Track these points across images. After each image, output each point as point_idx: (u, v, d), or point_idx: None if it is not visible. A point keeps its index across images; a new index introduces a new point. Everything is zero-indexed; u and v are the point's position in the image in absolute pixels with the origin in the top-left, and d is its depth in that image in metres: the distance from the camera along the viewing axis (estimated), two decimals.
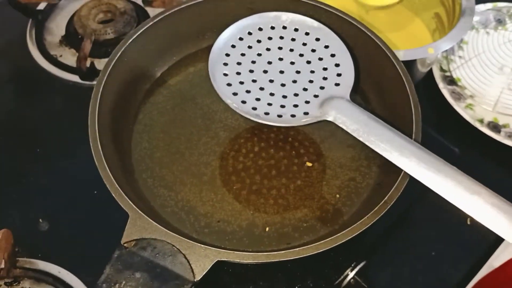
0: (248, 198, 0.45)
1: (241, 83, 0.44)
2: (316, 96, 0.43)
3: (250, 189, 0.46)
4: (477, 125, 0.57)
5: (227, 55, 0.45)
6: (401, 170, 0.38)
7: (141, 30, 0.48)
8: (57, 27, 0.65)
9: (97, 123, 0.42)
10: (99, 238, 0.45)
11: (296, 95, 0.43)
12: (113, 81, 0.45)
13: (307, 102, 0.43)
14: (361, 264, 0.46)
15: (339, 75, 0.45)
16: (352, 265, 0.46)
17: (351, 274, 0.46)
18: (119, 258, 0.35)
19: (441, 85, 0.60)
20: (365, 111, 0.40)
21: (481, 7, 0.66)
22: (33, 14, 0.65)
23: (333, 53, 0.46)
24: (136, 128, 0.49)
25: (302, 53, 0.46)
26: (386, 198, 0.38)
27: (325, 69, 0.45)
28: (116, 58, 0.46)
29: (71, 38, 0.63)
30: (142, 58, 0.49)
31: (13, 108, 0.59)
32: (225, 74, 0.44)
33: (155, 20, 0.49)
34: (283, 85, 0.44)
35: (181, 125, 0.49)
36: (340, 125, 0.40)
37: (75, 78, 0.59)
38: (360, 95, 0.51)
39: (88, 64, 0.59)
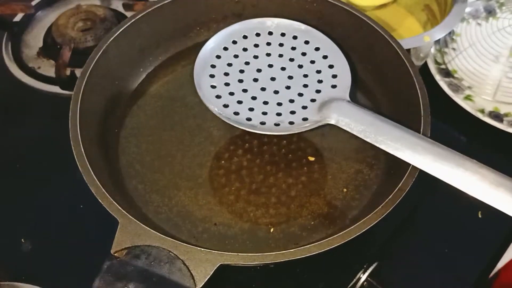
0: (249, 199, 0.42)
1: (231, 94, 0.41)
2: (313, 100, 0.41)
3: (250, 189, 0.42)
4: (479, 115, 0.55)
5: (213, 66, 0.43)
6: None
7: (122, 29, 0.45)
8: (34, 39, 0.62)
9: (79, 127, 0.39)
10: (88, 254, 0.41)
11: (291, 101, 0.41)
12: (95, 83, 0.43)
13: (304, 107, 0.41)
14: (373, 266, 0.43)
15: (334, 76, 0.43)
16: (364, 266, 0.43)
17: (364, 277, 0.43)
18: (109, 269, 0.32)
19: (438, 77, 0.59)
20: (369, 111, 0.38)
21: None
22: (9, 26, 0.62)
23: (325, 54, 0.44)
24: (123, 132, 0.45)
25: (292, 57, 0.44)
26: (400, 184, 0.35)
27: (318, 71, 0.43)
28: (96, 58, 0.43)
29: (50, 49, 0.60)
30: (125, 59, 0.47)
31: None
32: (213, 86, 0.42)
33: (136, 18, 0.46)
34: (276, 92, 0.42)
35: (171, 127, 0.46)
36: (344, 128, 0.38)
37: (55, 89, 0.56)
38: (360, 85, 0.49)
39: (68, 73, 0.56)
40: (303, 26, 0.46)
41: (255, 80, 0.42)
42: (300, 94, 0.42)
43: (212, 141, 0.45)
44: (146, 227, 0.33)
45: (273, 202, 0.42)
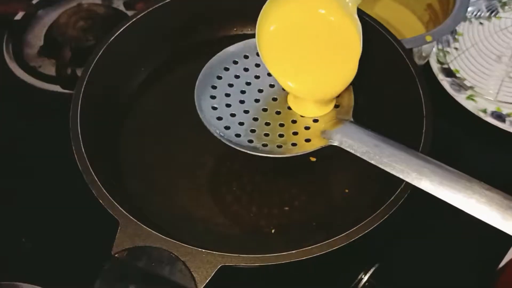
0: (250, 199, 0.42)
1: (233, 115, 0.40)
2: (315, 121, 0.40)
3: (252, 189, 0.42)
4: (481, 115, 0.55)
5: (214, 87, 0.42)
6: None
7: (123, 28, 0.45)
8: (35, 37, 0.62)
9: (80, 127, 0.39)
10: (89, 254, 0.41)
11: (294, 122, 0.40)
12: (96, 83, 0.42)
13: (307, 128, 0.40)
14: (375, 267, 0.43)
15: (337, 96, 0.42)
16: (366, 268, 0.43)
17: (365, 278, 0.43)
18: (110, 270, 0.32)
19: (440, 77, 0.59)
20: (373, 132, 0.37)
21: None
22: (10, 25, 0.62)
23: None
24: (124, 132, 0.45)
25: None
26: (402, 186, 0.35)
27: None
28: (97, 57, 0.43)
29: (51, 48, 0.60)
30: (126, 58, 0.47)
31: None
32: (214, 108, 0.41)
33: (137, 17, 0.46)
34: (278, 113, 0.41)
35: (172, 126, 0.46)
36: (347, 149, 0.37)
37: (56, 88, 0.56)
38: (360, 86, 0.48)
39: (69, 72, 0.56)
40: None
41: (257, 100, 0.42)
42: (302, 115, 0.41)
43: (214, 141, 0.45)
44: (147, 228, 0.33)
45: (274, 202, 0.41)
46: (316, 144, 0.38)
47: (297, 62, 0.40)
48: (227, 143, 0.38)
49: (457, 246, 0.47)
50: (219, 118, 0.40)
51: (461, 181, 0.33)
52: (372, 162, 0.35)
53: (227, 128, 0.40)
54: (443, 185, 0.33)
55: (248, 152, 0.38)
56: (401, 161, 0.35)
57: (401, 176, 0.34)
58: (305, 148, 0.38)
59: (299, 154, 0.38)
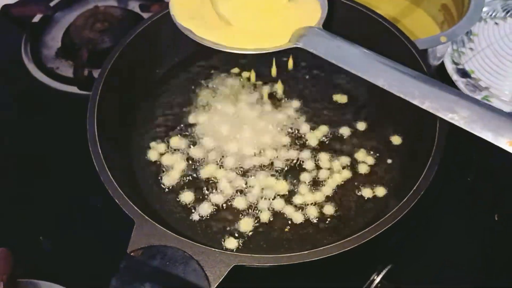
0: (263, 198, 0.42)
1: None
2: (286, 26, 0.42)
3: (265, 188, 0.43)
4: None
5: None
6: (428, 158, 0.36)
7: (139, 31, 0.46)
8: (53, 39, 0.63)
9: (96, 128, 0.39)
10: (106, 253, 0.42)
11: (264, 25, 0.43)
12: (112, 84, 0.43)
13: (276, 32, 0.42)
14: (387, 268, 0.43)
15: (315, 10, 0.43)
16: (378, 269, 0.43)
17: (378, 279, 0.43)
18: (126, 268, 0.32)
19: (455, 77, 0.58)
20: (338, 36, 0.39)
21: None
22: (28, 27, 0.63)
23: None
24: (139, 132, 0.46)
25: None
26: (415, 187, 0.35)
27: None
28: (114, 60, 0.44)
29: (68, 50, 0.61)
30: (141, 60, 0.47)
31: (12, 123, 0.56)
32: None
33: (152, 19, 0.47)
34: (250, 15, 0.43)
35: (186, 127, 0.46)
36: (310, 50, 0.39)
37: (73, 89, 0.57)
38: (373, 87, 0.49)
39: (86, 74, 0.57)
40: None
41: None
42: (273, 20, 0.43)
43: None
44: (162, 227, 0.34)
45: (288, 202, 0.42)
46: (281, 45, 0.41)
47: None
48: (195, 39, 0.41)
49: (472, 248, 0.47)
50: (192, 18, 0.43)
51: (411, 80, 0.35)
52: (333, 61, 0.37)
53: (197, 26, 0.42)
54: (395, 80, 0.35)
55: (213, 47, 0.41)
56: (360, 60, 0.37)
57: (359, 74, 0.36)
58: (271, 48, 0.41)
59: (264, 52, 0.41)
